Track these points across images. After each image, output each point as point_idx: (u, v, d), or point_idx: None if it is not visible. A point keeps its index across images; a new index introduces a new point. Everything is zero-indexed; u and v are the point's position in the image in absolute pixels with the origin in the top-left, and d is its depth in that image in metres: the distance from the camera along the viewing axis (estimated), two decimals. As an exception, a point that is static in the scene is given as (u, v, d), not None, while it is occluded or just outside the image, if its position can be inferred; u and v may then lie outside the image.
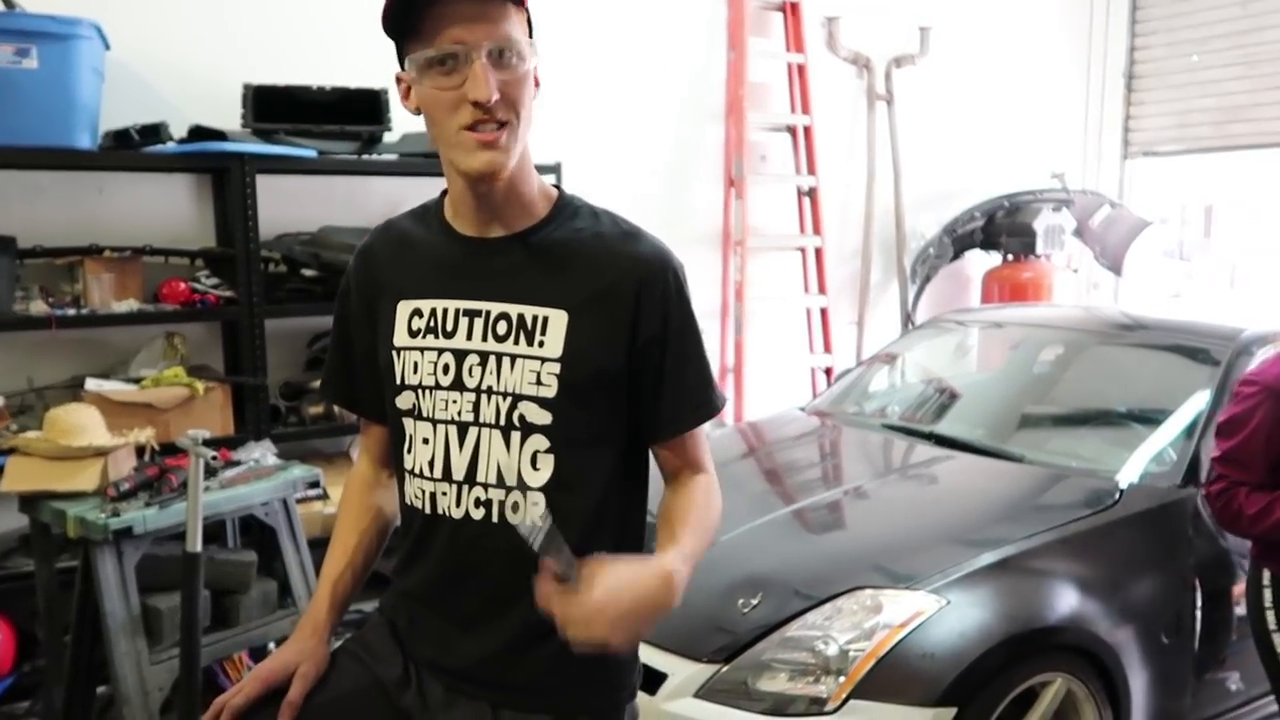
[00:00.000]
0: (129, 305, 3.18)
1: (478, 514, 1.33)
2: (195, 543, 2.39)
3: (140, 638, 2.46)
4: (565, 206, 1.38)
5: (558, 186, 1.42)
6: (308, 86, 3.38)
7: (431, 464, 1.35)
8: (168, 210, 3.49)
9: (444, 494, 1.35)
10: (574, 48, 4.15)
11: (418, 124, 1.39)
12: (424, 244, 1.41)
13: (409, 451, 1.38)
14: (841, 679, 2.08)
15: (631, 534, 1.42)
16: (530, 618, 1.25)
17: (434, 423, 1.35)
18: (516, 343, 1.31)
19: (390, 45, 1.30)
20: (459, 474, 1.33)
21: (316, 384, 3.54)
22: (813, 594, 2.25)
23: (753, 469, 3.20)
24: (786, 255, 4.91)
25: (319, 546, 2.01)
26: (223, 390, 3.27)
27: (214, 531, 2.80)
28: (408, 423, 1.38)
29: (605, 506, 1.37)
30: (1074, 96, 5.89)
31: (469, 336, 1.33)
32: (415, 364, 1.36)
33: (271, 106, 3.32)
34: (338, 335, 1.51)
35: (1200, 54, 5.55)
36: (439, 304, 1.36)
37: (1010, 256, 5.27)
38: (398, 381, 1.38)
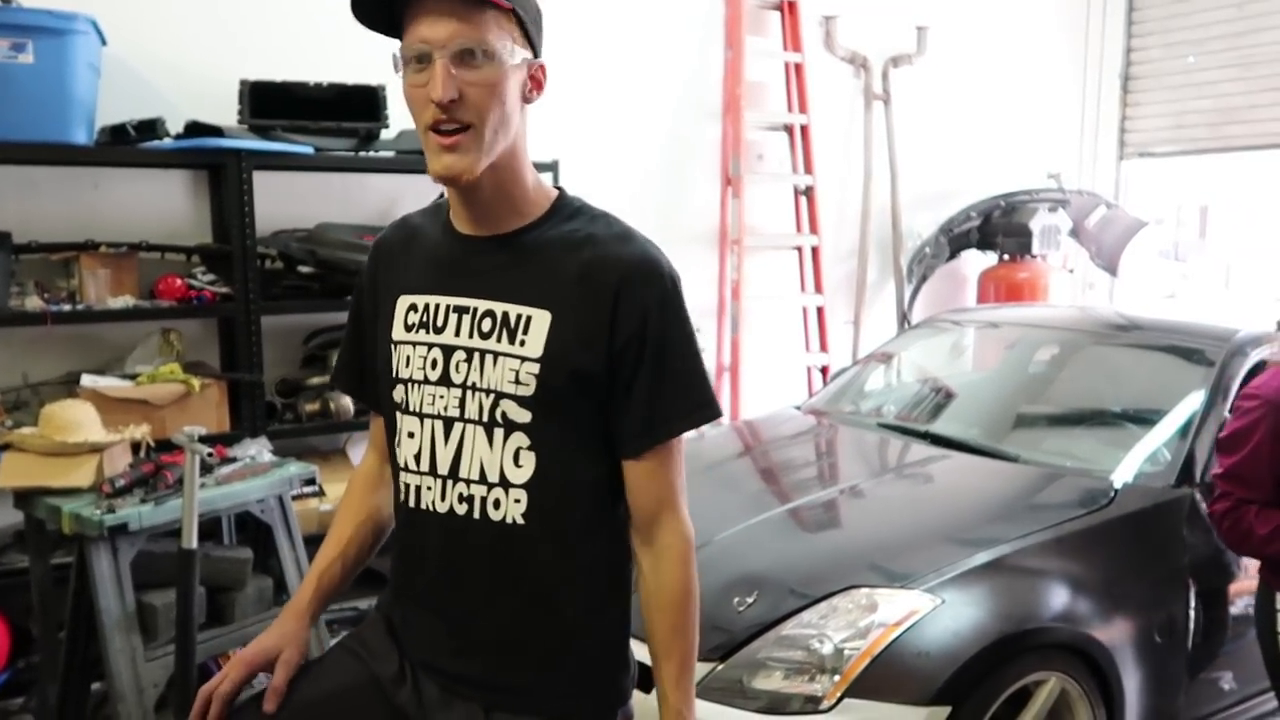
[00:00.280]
0: (125, 301, 3.17)
1: (461, 509, 1.33)
2: (190, 539, 2.39)
3: (135, 634, 2.45)
4: (563, 207, 1.38)
5: (559, 187, 1.41)
6: (305, 83, 3.38)
7: (418, 458, 1.36)
8: (164, 206, 3.47)
9: (429, 488, 1.35)
10: (571, 46, 4.14)
11: (415, 121, 1.39)
12: (428, 241, 1.42)
13: (398, 445, 1.39)
14: (836, 677, 2.08)
15: (620, 545, 1.41)
16: (515, 618, 1.25)
17: (421, 417, 1.35)
18: (499, 340, 1.32)
19: (388, 43, 1.30)
20: (443, 468, 1.34)
21: (313, 381, 3.53)
22: (808, 593, 2.26)
23: (748, 467, 3.21)
24: (783, 254, 4.92)
25: (314, 543, 2.00)
26: (219, 387, 3.26)
27: (209, 528, 2.81)
28: (398, 416, 1.39)
29: (592, 513, 1.36)
30: (1070, 97, 5.89)
31: (457, 333, 1.34)
32: (408, 358, 1.37)
33: (268, 102, 3.31)
34: (352, 326, 1.53)
35: (1196, 55, 5.56)
36: (433, 300, 1.37)
37: (1006, 256, 5.27)
38: (392, 375, 1.39)
